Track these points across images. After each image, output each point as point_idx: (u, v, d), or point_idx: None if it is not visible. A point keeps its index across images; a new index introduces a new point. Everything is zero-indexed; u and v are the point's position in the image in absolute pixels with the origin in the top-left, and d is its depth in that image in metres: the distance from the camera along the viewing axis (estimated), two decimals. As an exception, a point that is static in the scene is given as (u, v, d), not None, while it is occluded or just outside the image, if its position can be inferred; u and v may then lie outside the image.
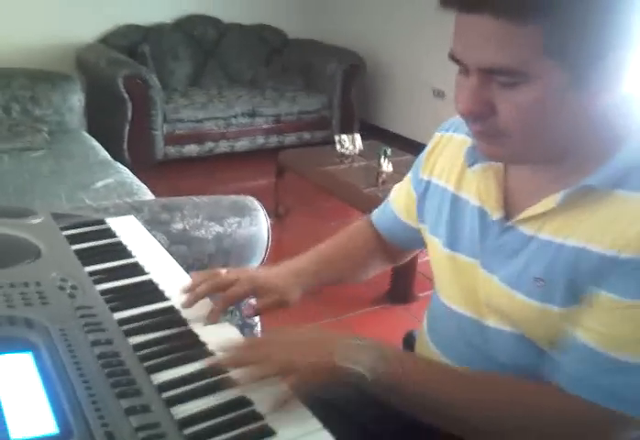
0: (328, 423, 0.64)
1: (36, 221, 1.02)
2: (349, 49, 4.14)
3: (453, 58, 0.66)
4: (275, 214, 3.02)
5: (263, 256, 1.51)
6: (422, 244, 0.94)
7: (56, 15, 3.69)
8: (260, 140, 3.87)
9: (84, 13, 3.76)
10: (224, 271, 0.90)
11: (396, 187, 1.02)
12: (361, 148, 2.90)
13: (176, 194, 1.54)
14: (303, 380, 0.66)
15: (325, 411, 0.66)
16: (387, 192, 2.77)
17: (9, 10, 3.53)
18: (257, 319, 1.59)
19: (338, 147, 2.89)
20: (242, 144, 3.82)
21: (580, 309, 0.67)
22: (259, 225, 1.46)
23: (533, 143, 0.66)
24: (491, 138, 0.67)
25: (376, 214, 1.05)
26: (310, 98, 3.99)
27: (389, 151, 2.69)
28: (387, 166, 2.66)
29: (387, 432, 0.86)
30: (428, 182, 0.88)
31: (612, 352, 0.64)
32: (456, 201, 0.82)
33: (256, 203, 1.48)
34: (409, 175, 0.97)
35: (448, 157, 0.86)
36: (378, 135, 3.91)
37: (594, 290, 0.65)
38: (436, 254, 0.86)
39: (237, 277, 0.87)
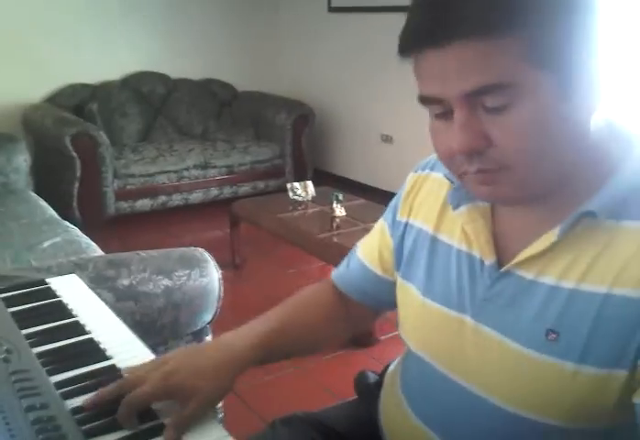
0: None
1: (-29, 285, 0.98)
2: (297, 100, 4.24)
3: (426, 100, 0.62)
4: (232, 265, 2.99)
5: (216, 307, 1.48)
6: (393, 301, 0.85)
7: (0, 75, 3.68)
8: (214, 192, 3.88)
9: (30, 73, 3.77)
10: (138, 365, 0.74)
11: (363, 241, 0.94)
12: (314, 194, 2.94)
13: (130, 250, 1.51)
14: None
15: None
16: (342, 236, 2.78)
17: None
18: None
19: (291, 194, 2.91)
20: (196, 196, 3.81)
21: (622, 373, 0.59)
22: (210, 276, 1.44)
23: (535, 172, 0.60)
24: (492, 176, 0.61)
25: (339, 274, 0.95)
26: (261, 148, 4.04)
27: (341, 196, 2.73)
28: (340, 211, 2.69)
29: None
30: (406, 224, 0.83)
31: None
32: (434, 243, 0.77)
33: (205, 255, 1.47)
34: (382, 222, 0.90)
35: (426, 196, 0.81)
36: (331, 181, 3.97)
37: (632, 342, 0.58)
38: (411, 302, 0.79)
39: (147, 374, 0.70)
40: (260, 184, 4.04)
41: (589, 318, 0.60)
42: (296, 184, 2.96)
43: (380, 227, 0.90)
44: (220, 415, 1.39)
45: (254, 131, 4.25)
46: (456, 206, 0.73)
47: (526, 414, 0.65)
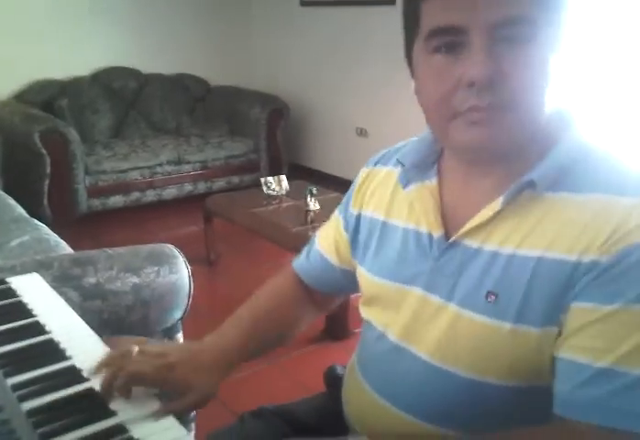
0: None
1: None
2: (272, 94, 4.21)
3: (440, 32, 0.63)
4: (207, 261, 2.97)
5: (186, 304, 1.46)
6: (353, 287, 0.89)
7: (-34, 73, 3.60)
8: (188, 187, 3.84)
9: (-4, 70, 3.68)
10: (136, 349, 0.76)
11: (321, 233, 0.98)
12: (288, 188, 2.92)
13: (103, 248, 1.48)
14: None
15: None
16: (316, 230, 2.78)
17: None
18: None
19: (265, 189, 2.89)
20: (170, 192, 3.77)
21: (554, 330, 0.63)
22: (180, 272, 1.42)
23: (531, 115, 0.64)
24: (494, 114, 0.63)
25: (299, 264, 0.99)
26: (236, 143, 4.01)
27: (315, 190, 2.72)
28: (314, 204, 2.68)
29: None
30: (358, 216, 0.87)
31: (611, 366, 0.59)
32: (385, 228, 0.81)
33: (174, 251, 1.45)
34: (337, 215, 0.94)
35: (376, 188, 0.86)
36: (307, 175, 3.96)
37: (565, 303, 0.62)
38: (366, 282, 0.83)
39: (147, 361, 0.75)
40: (235, 179, 4.01)
41: (524, 280, 0.64)
42: (270, 179, 2.94)
43: (335, 221, 0.94)
44: (193, 413, 1.37)
45: (228, 126, 4.22)
46: (405, 185, 0.78)
47: (472, 376, 0.69)
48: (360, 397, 0.84)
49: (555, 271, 0.63)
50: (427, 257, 0.74)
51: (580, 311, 0.61)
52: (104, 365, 0.74)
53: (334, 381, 1.00)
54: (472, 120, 0.64)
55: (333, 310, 1.05)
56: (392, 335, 0.78)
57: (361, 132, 4.06)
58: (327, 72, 4.20)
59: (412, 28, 0.68)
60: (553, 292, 0.63)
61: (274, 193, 2.90)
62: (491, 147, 0.66)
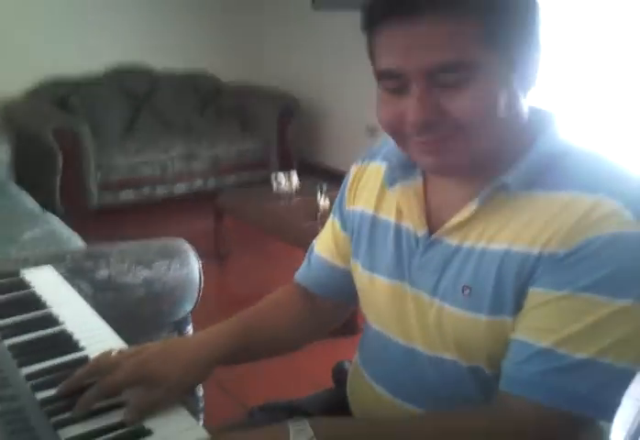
0: None
1: (-58, 277, 0.97)
2: (283, 91, 4.21)
3: (384, 75, 0.66)
4: (217, 257, 2.98)
5: (196, 298, 1.48)
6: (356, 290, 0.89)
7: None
8: (199, 183, 3.85)
9: (11, 66, 3.70)
10: (115, 352, 0.76)
11: (318, 240, 0.97)
12: (298, 185, 2.92)
13: (113, 242, 1.50)
14: None
15: None
16: (325, 226, 2.74)
17: None
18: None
19: (275, 185, 2.90)
20: (180, 187, 3.79)
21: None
22: (190, 266, 1.44)
23: (482, 138, 0.66)
24: (439, 145, 0.66)
25: (301, 274, 0.97)
26: (246, 140, 4.01)
27: (325, 187, 2.72)
28: (324, 201, 2.68)
29: None
30: (354, 212, 0.87)
31: (552, 347, 0.63)
32: (375, 222, 0.82)
33: (185, 245, 1.46)
34: (331, 219, 0.94)
35: (366, 184, 0.87)
36: (318, 172, 3.96)
37: (525, 290, 0.66)
38: (360, 277, 0.84)
39: (119, 361, 0.72)
40: (245, 175, 4.01)
41: (493, 273, 0.68)
42: (280, 175, 2.94)
43: (331, 224, 0.94)
44: (201, 404, 1.39)
45: (239, 123, 4.22)
46: (391, 184, 0.79)
47: (469, 364, 0.71)
48: (364, 390, 0.85)
49: (519, 263, 0.66)
50: (415, 254, 0.76)
51: (533, 295, 0.65)
52: (80, 377, 0.71)
53: (342, 378, 1.00)
54: (420, 150, 0.68)
55: (337, 324, 1.00)
56: (389, 331, 0.80)
57: (371, 129, 4.05)
58: (338, 71, 4.20)
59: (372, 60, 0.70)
60: (519, 283, 0.66)
61: (284, 190, 2.90)
62: (447, 171, 0.71)
